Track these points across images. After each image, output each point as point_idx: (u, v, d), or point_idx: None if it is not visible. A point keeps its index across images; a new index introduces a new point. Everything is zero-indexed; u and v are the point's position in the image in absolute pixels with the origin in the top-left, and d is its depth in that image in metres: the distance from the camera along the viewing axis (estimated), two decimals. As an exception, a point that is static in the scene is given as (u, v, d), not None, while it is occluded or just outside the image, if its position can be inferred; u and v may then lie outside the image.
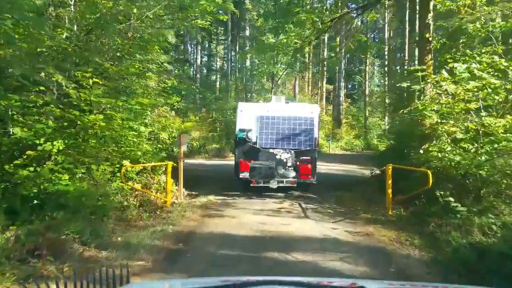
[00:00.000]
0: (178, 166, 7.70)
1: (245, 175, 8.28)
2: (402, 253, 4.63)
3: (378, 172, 9.84)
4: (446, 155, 6.08)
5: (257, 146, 8.53)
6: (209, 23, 10.58)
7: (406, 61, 21.97)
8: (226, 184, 9.55)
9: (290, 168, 8.44)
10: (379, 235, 5.33)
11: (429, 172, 5.64)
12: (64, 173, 5.53)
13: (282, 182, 8.33)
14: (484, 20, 7.67)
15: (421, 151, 6.61)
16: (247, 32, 27.41)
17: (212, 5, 9.21)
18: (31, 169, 5.39)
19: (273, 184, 8.26)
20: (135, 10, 7.18)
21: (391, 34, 29.25)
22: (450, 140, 6.49)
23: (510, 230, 4.56)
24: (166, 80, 10.62)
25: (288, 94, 25.14)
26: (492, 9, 7.42)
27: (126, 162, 6.71)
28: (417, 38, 16.95)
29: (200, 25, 9.88)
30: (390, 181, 6.67)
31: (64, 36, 6.27)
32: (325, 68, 29.58)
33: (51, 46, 5.99)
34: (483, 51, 7.17)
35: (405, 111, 7.27)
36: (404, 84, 7.28)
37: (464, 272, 3.93)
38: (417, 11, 17.02)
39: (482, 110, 6.28)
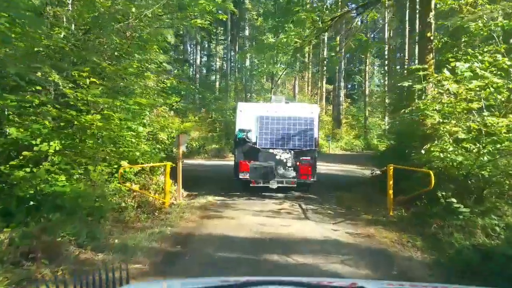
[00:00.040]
0: (177, 167, 7.63)
1: (245, 175, 8.24)
2: (404, 255, 4.55)
3: (378, 172, 9.76)
4: (448, 155, 6.01)
5: (257, 146, 8.48)
6: (209, 22, 10.50)
7: (406, 61, 21.93)
8: (226, 184, 9.48)
9: (290, 169, 8.40)
10: (380, 237, 5.25)
11: (431, 172, 5.57)
12: (61, 174, 5.45)
13: (282, 182, 8.30)
14: (486, 19, 7.60)
15: (423, 151, 6.53)
16: (247, 32, 27.34)
17: (212, 5, 9.14)
18: (28, 170, 5.31)
19: (273, 185, 8.23)
20: (133, 9, 7.11)
21: (391, 34, 29.20)
22: (452, 140, 6.41)
23: (514, 231, 4.49)
24: (165, 80, 10.55)
25: (287, 94, 25.09)
26: (494, 8, 7.34)
27: (124, 163, 6.63)
28: (417, 38, 16.93)
29: (200, 25, 9.80)
30: (391, 182, 6.60)
31: (62, 36, 6.20)
32: (324, 68, 29.49)
33: (49, 46, 5.92)
34: (485, 50, 7.10)
35: (406, 111, 7.19)
36: (406, 84, 7.20)
37: (468, 274, 3.86)
38: (418, 11, 16.99)
39: (484, 110, 6.20)
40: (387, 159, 8.61)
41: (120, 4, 6.89)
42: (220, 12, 12.50)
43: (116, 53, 7.17)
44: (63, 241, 4.29)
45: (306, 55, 27.83)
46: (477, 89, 6.18)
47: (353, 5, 8.97)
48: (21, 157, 5.42)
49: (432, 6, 7.80)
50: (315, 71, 34.16)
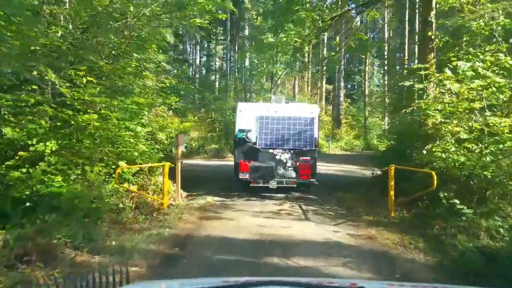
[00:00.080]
0: (175, 167, 7.55)
1: (244, 175, 8.20)
2: (406, 257, 4.47)
3: (379, 172, 9.68)
4: (450, 155, 5.93)
5: (257, 147, 8.44)
6: (208, 22, 10.43)
7: (406, 61, 21.87)
8: (225, 184, 9.42)
9: (290, 169, 8.37)
10: (382, 238, 5.17)
11: (433, 173, 5.49)
12: (57, 175, 5.37)
13: (282, 182, 8.27)
14: (487, 18, 7.53)
15: (424, 152, 6.45)
16: (246, 32, 27.26)
17: (211, 4, 9.06)
18: (24, 170, 5.24)
19: (273, 185, 8.21)
20: (131, 8, 7.02)
21: (391, 34, 29.15)
22: (454, 140, 6.33)
23: (518, 233, 4.41)
24: (164, 80, 10.47)
25: (287, 94, 25.01)
26: (496, 7, 7.27)
27: (122, 163, 6.55)
28: (416, 38, 16.86)
29: (199, 24, 9.72)
30: (392, 182, 6.52)
31: (59, 35, 6.12)
32: (324, 68, 29.43)
33: (45, 45, 5.84)
34: (487, 49, 7.03)
35: (407, 111, 7.11)
36: (407, 83, 7.12)
37: (472, 277, 3.78)
38: (417, 10, 16.93)
39: (486, 110, 6.13)
40: (388, 159, 8.55)
41: (118, 2, 6.80)
42: (219, 11, 12.44)
43: (113, 52, 7.08)
44: (59, 243, 4.20)
45: (306, 55, 27.74)
46: (479, 88, 6.11)
47: (353, 5, 8.88)
48: (17, 158, 5.34)
49: (433, 5, 7.72)
50: (314, 71, 34.09)
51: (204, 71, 34.68)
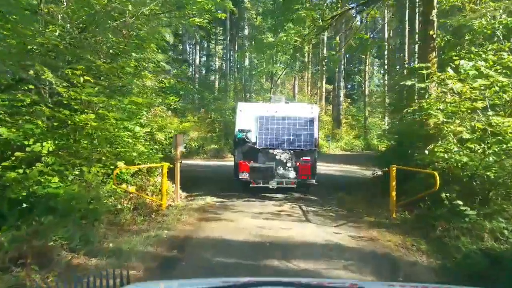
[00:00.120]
0: (174, 168, 7.48)
1: (244, 175, 8.17)
2: (409, 259, 4.39)
3: (380, 173, 9.61)
4: (453, 156, 5.85)
5: (257, 147, 8.41)
6: (207, 21, 10.36)
7: (406, 61, 21.81)
8: (225, 185, 9.36)
9: (290, 169, 8.34)
10: (384, 240, 5.09)
11: (436, 174, 5.41)
12: (54, 175, 5.30)
13: (282, 183, 8.24)
14: (489, 17, 7.46)
15: (426, 152, 6.37)
16: (246, 32, 27.18)
17: (210, 3, 8.98)
18: (20, 171, 5.16)
19: (273, 185, 8.18)
20: (130, 7, 6.94)
21: (391, 34, 29.09)
22: (456, 140, 6.25)
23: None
24: (163, 80, 10.39)
25: (287, 94, 24.95)
26: (498, 5, 7.19)
27: (121, 164, 6.46)
28: (417, 37, 16.78)
29: (198, 24, 9.64)
30: (394, 183, 6.44)
31: (57, 34, 6.04)
32: (324, 68, 29.35)
33: (43, 44, 5.76)
34: (489, 48, 6.95)
35: (409, 110, 7.03)
36: (409, 82, 7.05)
37: (476, 279, 3.71)
38: (417, 10, 16.85)
39: (489, 109, 6.05)
40: (388, 160, 8.47)
41: (116, 1, 6.72)
42: (219, 11, 12.36)
43: (111, 51, 6.99)
44: (55, 245, 4.12)
45: (306, 54, 27.68)
46: (482, 88, 6.04)
47: (354, 4, 8.81)
48: (13, 158, 5.26)
49: (435, 3, 7.65)
50: (314, 71, 34.02)
51: (203, 71, 34.60)
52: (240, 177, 8.22)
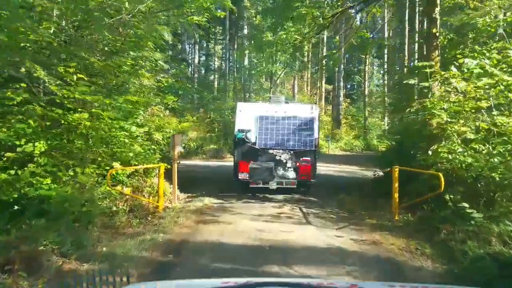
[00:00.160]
0: (172, 168, 7.32)
1: (244, 176, 8.07)
2: (413, 264, 4.22)
3: (381, 173, 9.45)
4: (457, 156, 5.69)
5: (256, 147, 8.30)
6: (206, 19, 10.21)
7: (406, 61, 21.67)
8: (224, 185, 9.23)
9: (289, 169, 8.25)
10: (387, 244, 4.93)
11: (440, 175, 5.25)
12: (47, 177, 5.13)
13: (282, 183, 8.16)
14: (493, 15, 7.31)
15: (430, 152, 6.21)
16: (246, 31, 27.02)
17: (209, 1, 8.83)
18: (12, 172, 5.00)
19: (273, 185, 8.08)
20: (126, 4, 6.78)
21: (391, 34, 28.97)
22: (460, 140, 6.10)
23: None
24: (161, 79, 10.22)
25: (287, 94, 24.79)
26: (502, 3, 7.04)
27: (117, 164, 6.29)
28: (416, 37, 16.62)
29: (197, 22, 9.48)
30: (396, 184, 6.29)
31: (51, 31, 5.87)
32: (324, 67, 29.18)
33: (36, 41, 5.59)
34: (493, 47, 6.81)
35: (412, 110, 6.87)
36: (412, 81, 6.90)
37: (484, 285, 3.55)
38: (417, 9, 16.69)
39: (494, 109, 5.90)
40: (389, 160, 8.33)
41: (113, -2, 6.55)
42: (218, 10, 12.22)
43: (106, 48, 6.83)
44: (45, 250, 3.96)
45: (306, 54, 27.53)
46: (486, 87, 5.89)
47: (354, 4, 8.63)
48: (4, 159, 5.10)
49: (438, 1, 7.49)
50: (314, 71, 33.86)
51: (203, 71, 34.46)
52: (239, 178, 8.13)
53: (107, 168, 6.12)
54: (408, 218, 6.05)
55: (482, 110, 6.01)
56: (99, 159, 6.20)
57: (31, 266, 3.60)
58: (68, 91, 5.26)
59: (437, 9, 7.44)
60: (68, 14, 6.11)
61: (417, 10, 18.49)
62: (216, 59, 35.04)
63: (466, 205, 4.93)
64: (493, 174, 5.36)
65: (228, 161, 14.27)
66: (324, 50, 27.44)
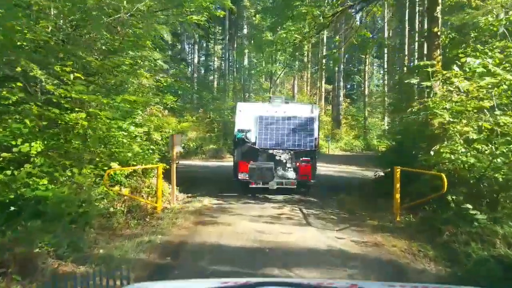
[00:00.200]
0: (171, 169, 7.23)
1: (244, 176, 8.03)
2: (416, 267, 4.14)
3: (382, 174, 9.38)
4: (460, 157, 5.62)
5: (256, 147, 8.24)
6: (206, 19, 10.14)
7: (406, 60, 21.62)
8: (223, 185, 9.15)
9: (289, 169, 8.20)
10: (389, 245, 4.85)
11: (443, 175, 5.17)
12: (43, 177, 5.05)
13: (282, 183, 8.13)
14: (495, 14, 7.24)
15: (432, 153, 6.13)
16: (245, 31, 26.95)
17: (208, 0, 8.76)
18: (8, 172, 4.92)
19: (273, 185, 8.03)
20: (125, 3, 6.70)
21: (391, 34, 28.92)
22: (463, 140, 6.02)
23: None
24: (160, 79, 10.14)
25: (286, 94, 24.76)
26: (504, 1, 6.97)
27: (115, 164, 6.21)
28: (416, 37, 16.55)
29: (196, 21, 9.40)
30: (398, 185, 6.21)
31: (49, 30, 5.80)
32: (323, 67, 29.11)
33: (33, 40, 5.51)
34: (495, 46, 6.74)
35: (413, 110, 6.80)
36: (413, 81, 6.82)
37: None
38: (417, 9, 16.61)
39: (497, 109, 5.82)
40: (390, 160, 8.26)
41: (111, -3, 6.47)
42: (218, 9, 12.15)
43: (104, 47, 6.75)
44: (40, 252, 3.87)
45: (305, 54, 27.46)
46: (489, 86, 5.82)
47: (354, 3, 8.56)
48: (0, 159, 5.02)
49: (439, 0, 7.42)
50: (314, 71, 33.80)
51: (202, 71, 34.40)
52: (239, 178, 8.08)
53: (105, 168, 6.04)
54: (409, 219, 5.97)
55: (485, 110, 5.94)
56: (97, 159, 6.12)
57: (26, 268, 3.52)
58: (65, 91, 5.18)
59: (439, 8, 7.36)
60: (66, 12, 6.02)
61: (417, 10, 18.46)
62: (216, 59, 34.98)
63: (469, 206, 4.86)
64: (496, 175, 5.29)
65: (228, 161, 14.20)
66: (324, 50, 27.37)
